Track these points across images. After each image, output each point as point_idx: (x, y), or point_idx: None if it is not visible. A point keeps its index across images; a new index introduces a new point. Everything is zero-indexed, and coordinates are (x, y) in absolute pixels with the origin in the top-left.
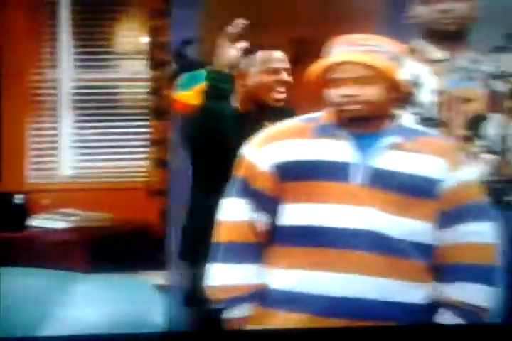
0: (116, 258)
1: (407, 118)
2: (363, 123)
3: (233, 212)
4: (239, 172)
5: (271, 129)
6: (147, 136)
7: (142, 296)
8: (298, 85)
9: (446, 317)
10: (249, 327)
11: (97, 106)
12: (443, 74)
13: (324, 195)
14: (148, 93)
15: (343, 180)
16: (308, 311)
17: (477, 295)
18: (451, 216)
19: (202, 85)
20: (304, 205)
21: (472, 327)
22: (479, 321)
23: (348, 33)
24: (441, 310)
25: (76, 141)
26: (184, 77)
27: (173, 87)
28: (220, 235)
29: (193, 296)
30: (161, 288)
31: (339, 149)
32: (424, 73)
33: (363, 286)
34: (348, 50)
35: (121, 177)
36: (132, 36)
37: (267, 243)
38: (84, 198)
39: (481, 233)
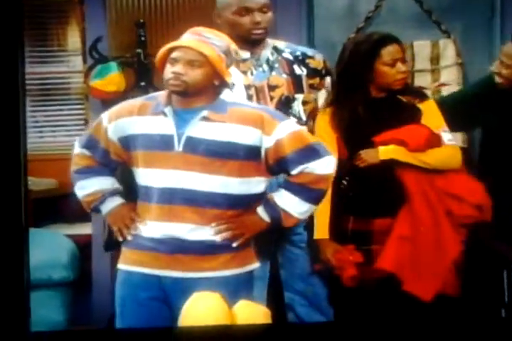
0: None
1: (228, 93)
2: (185, 100)
3: (78, 151)
4: (92, 129)
5: (124, 103)
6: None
7: (54, 244)
8: None
9: (259, 210)
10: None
11: (47, 94)
12: (249, 71)
13: (155, 161)
14: (83, 83)
15: (167, 149)
16: (158, 250)
17: (290, 203)
18: (282, 165)
19: (113, 75)
20: (144, 170)
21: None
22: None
23: None
24: (260, 206)
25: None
26: (97, 68)
27: (90, 77)
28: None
29: (111, 242)
30: (71, 237)
31: (165, 124)
32: (234, 74)
33: (186, 231)
34: (191, 37)
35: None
36: (73, 36)
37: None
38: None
39: (313, 169)
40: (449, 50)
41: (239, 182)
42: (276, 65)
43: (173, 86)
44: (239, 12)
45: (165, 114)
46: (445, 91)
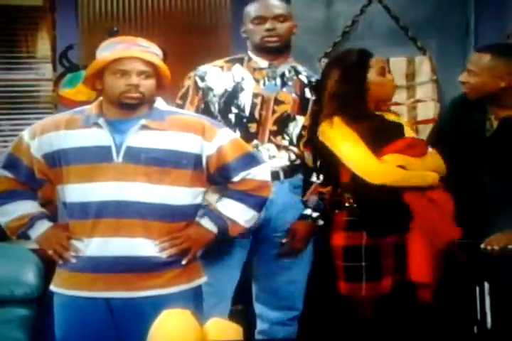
0: None
1: (161, 101)
2: (125, 111)
3: None
4: (12, 149)
5: (48, 119)
6: None
7: (18, 258)
8: None
9: (204, 221)
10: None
11: (14, 102)
12: (261, 80)
13: (92, 175)
14: (52, 91)
15: (105, 160)
16: (99, 270)
17: (236, 211)
18: (222, 173)
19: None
20: (78, 185)
21: None
22: (228, 235)
23: None
24: (202, 215)
25: None
26: (67, 76)
27: (59, 86)
28: None
29: None
30: (36, 252)
31: (100, 135)
32: (246, 79)
33: (133, 246)
34: (131, 47)
35: None
36: (43, 43)
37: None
38: None
39: (255, 175)
40: (424, 67)
41: (182, 192)
42: (290, 83)
43: (129, 98)
44: (255, 21)
45: (99, 126)
46: (420, 108)
